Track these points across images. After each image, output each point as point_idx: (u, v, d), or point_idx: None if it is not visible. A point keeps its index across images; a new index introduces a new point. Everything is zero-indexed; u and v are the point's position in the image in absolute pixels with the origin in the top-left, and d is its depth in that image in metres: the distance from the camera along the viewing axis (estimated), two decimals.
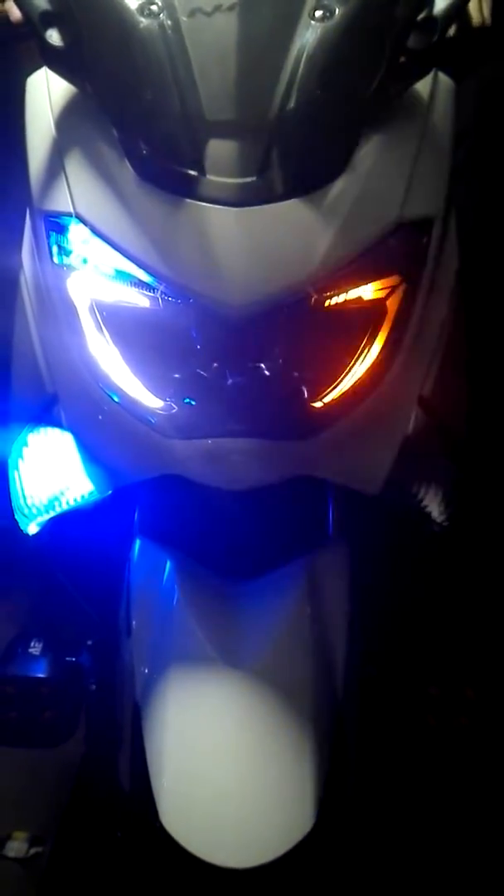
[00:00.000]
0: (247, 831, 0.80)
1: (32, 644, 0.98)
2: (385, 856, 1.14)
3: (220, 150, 0.74)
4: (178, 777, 0.82)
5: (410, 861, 1.28)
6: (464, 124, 1.48)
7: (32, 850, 1.32)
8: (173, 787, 0.81)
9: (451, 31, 0.99)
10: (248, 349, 0.79)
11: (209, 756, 0.83)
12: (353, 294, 0.80)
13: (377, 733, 0.96)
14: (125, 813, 0.90)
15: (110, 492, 0.93)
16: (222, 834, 0.80)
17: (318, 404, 0.82)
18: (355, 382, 0.83)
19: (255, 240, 0.74)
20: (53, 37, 0.78)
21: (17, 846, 1.31)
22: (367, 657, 0.97)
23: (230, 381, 0.79)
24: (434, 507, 0.95)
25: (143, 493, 1.02)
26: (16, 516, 0.95)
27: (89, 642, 1.03)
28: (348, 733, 0.88)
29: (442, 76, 0.88)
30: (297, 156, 0.75)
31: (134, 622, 0.92)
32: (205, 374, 0.79)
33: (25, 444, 0.93)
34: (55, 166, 0.81)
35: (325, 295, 0.79)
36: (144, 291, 0.78)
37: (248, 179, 0.74)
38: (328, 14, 0.74)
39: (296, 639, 0.89)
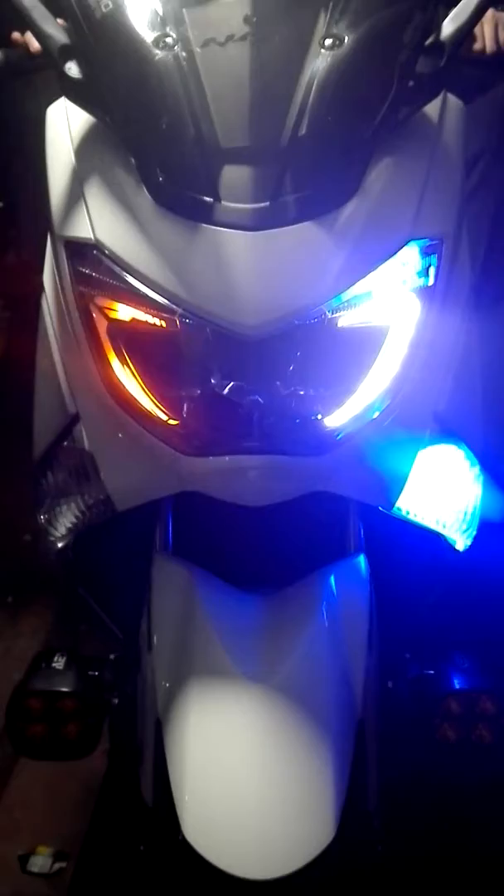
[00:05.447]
0: (269, 843, 0.80)
1: (56, 659, 0.99)
2: (405, 869, 1.14)
3: (234, 176, 0.76)
4: (200, 790, 0.82)
5: (430, 874, 1.28)
6: (479, 145, 1.50)
7: (56, 866, 1.32)
8: (196, 800, 0.82)
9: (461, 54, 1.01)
10: (263, 368, 0.81)
11: (231, 769, 0.83)
12: (365, 313, 0.81)
13: (396, 746, 0.96)
14: (148, 826, 0.91)
15: (131, 508, 0.95)
16: (245, 846, 0.80)
17: (332, 421, 0.84)
18: (369, 399, 0.84)
19: (269, 263, 0.76)
20: (72, 69, 0.81)
21: (41, 861, 1.32)
22: (386, 670, 0.97)
23: (246, 400, 0.81)
24: (453, 522, 0.96)
25: (162, 509, 1.03)
26: (39, 533, 0.97)
27: (112, 657, 1.04)
28: (368, 746, 0.88)
29: (451, 98, 0.89)
30: (309, 180, 0.77)
31: (155, 637, 0.93)
32: (222, 393, 0.81)
33: (48, 463, 0.95)
34: (75, 194, 0.84)
35: (338, 314, 0.80)
36: (162, 314, 0.80)
37: (262, 204, 0.76)
38: (338, 42, 0.77)
39: (316, 652, 0.90)
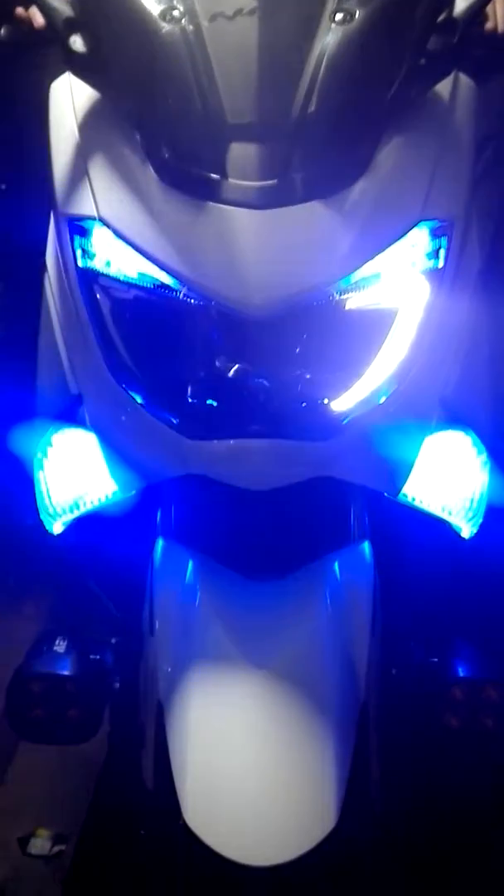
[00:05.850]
0: (270, 829, 0.80)
1: (57, 642, 0.99)
2: (406, 856, 1.14)
3: (241, 153, 0.75)
4: (201, 775, 0.82)
5: (432, 861, 1.28)
6: (489, 126, 1.48)
7: (56, 848, 1.33)
8: (197, 785, 0.82)
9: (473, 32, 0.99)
10: (269, 350, 0.80)
11: (232, 754, 0.83)
12: (373, 295, 0.80)
13: (399, 734, 0.95)
14: (149, 811, 0.91)
15: (133, 492, 0.94)
16: (245, 831, 0.80)
17: (338, 405, 0.83)
18: (376, 383, 0.83)
19: (276, 242, 0.74)
20: (77, 43, 0.80)
21: (40, 844, 1.33)
22: (389, 657, 0.97)
23: (252, 382, 0.80)
24: (459, 509, 0.95)
25: (165, 493, 1.02)
26: (40, 516, 0.96)
27: (113, 641, 1.03)
28: (370, 733, 0.88)
29: (463, 77, 0.88)
30: (318, 158, 0.75)
31: (157, 621, 0.93)
32: (227, 375, 0.80)
33: (50, 445, 0.94)
34: (79, 170, 0.83)
35: (345, 296, 0.79)
36: (167, 293, 0.79)
37: (270, 182, 0.74)
38: (349, 17, 0.75)
39: (318, 639, 0.89)
